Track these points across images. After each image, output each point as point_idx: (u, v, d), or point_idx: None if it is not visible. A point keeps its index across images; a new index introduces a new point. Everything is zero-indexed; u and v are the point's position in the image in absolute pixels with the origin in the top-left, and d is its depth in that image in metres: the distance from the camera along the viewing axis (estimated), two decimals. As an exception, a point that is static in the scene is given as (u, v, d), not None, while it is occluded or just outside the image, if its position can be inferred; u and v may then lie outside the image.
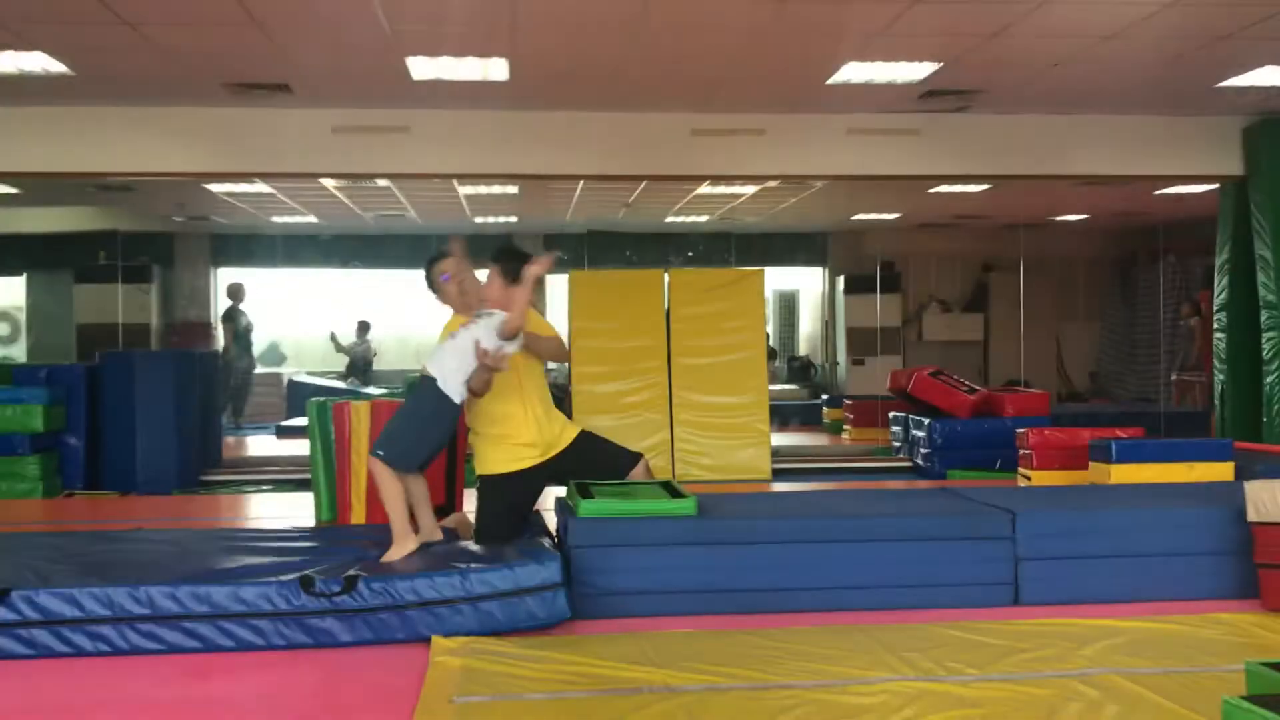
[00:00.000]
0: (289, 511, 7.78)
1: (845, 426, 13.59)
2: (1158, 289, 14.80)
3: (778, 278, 17.27)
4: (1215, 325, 10.27)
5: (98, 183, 11.54)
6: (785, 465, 10.25)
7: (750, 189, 12.51)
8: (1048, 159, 9.86)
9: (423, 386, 5.05)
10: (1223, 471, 7.25)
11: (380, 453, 4.94)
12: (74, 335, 14.44)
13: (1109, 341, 16.85)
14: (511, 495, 5.27)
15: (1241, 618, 4.62)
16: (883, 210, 14.94)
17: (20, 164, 9.29)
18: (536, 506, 5.53)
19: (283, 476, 10.04)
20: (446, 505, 6.06)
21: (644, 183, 11.65)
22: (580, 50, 7.60)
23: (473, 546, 4.93)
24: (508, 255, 5.21)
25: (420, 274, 5.41)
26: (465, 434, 5.68)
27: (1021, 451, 8.28)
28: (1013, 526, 5.06)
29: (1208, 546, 5.11)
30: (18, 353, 15.15)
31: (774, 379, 15.05)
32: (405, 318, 15.24)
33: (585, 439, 5.47)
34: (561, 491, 5.41)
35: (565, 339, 9.31)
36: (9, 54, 7.49)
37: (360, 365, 15.56)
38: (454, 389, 5.00)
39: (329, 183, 11.45)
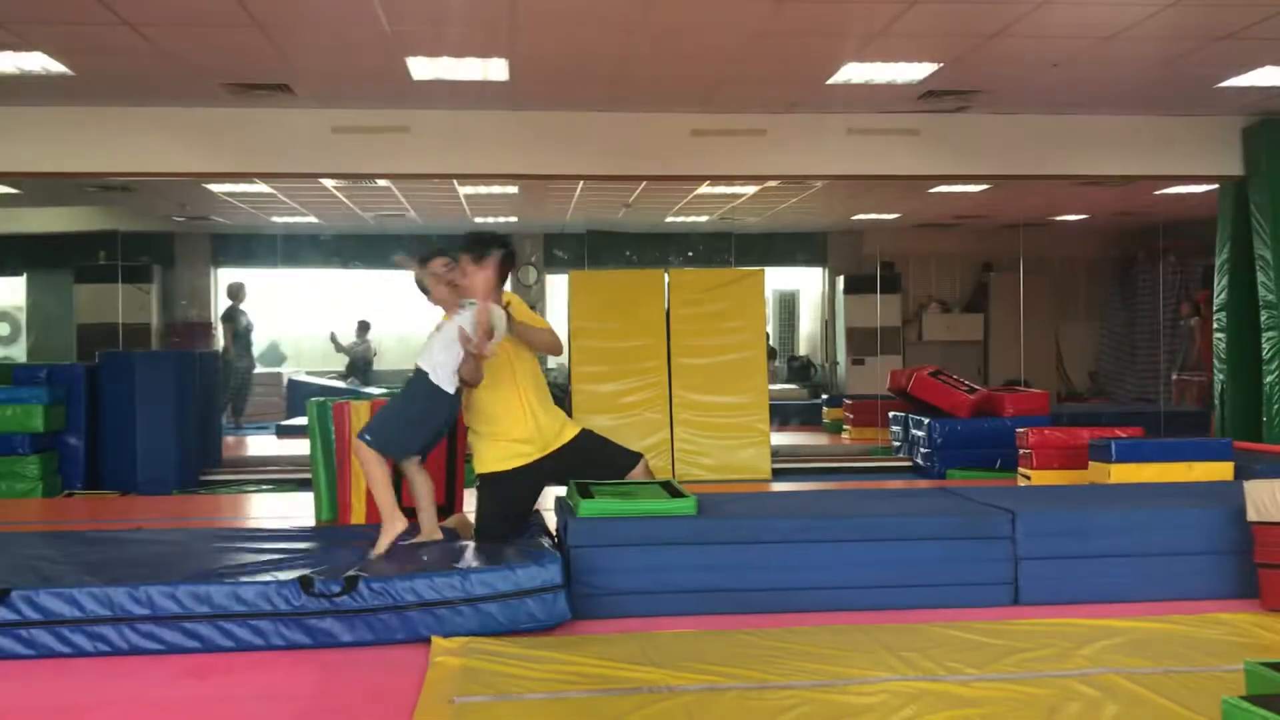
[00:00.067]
0: (289, 511, 7.78)
1: (845, 426, 13.59)
2: (1158, 289, 14.80)
3: (778, 278, 17.28)
4: (1215, 325, 10.27)
5: (98, 183, 11.55)
6: (785, 465, 10.26)
7: (750, 189, 12.51)
8: (1047, 159, 9.86)
9: (415, 379, 5.09)
10: (1222, 471, 7.26)
11: (366, 437, 4.98)
12: (74, 335, 14.45)
13: (1109, 341, 16.86)
14: (510, 493, 5.27)
15: (1241, 618, 4.63)
16: (883, 210, 14.94)
17: (20, 164, 9.28)
18: (536, 506, 5.53)
19: (283, 476, 10.04)
20: (446, 506, 6.06)
21: (644, 183, 11.65)
22: (580, 50, 7.59)
23: (473, 547, 4.94)
24: (475, 242, 5.19)
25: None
26: (465, 434, 5.68)
27: (1021, 451, 8.28)
28: (1012, 526, 5.06)
29: (1207, 546, 5.11)
30: (18, 353, 15.16)
31: (774, 379, 15.06)
32: (405, 318, 15.24)
33: (585, 438, 5.47)
34: (561, 491, 5.42)
35: (565, 339, 9.36)
36: (9, 54, 7.49)
37: (360, 365, 15.57)
38: (445, 380, 5.02)
39: (329, 183, 11.45)
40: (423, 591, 4.37)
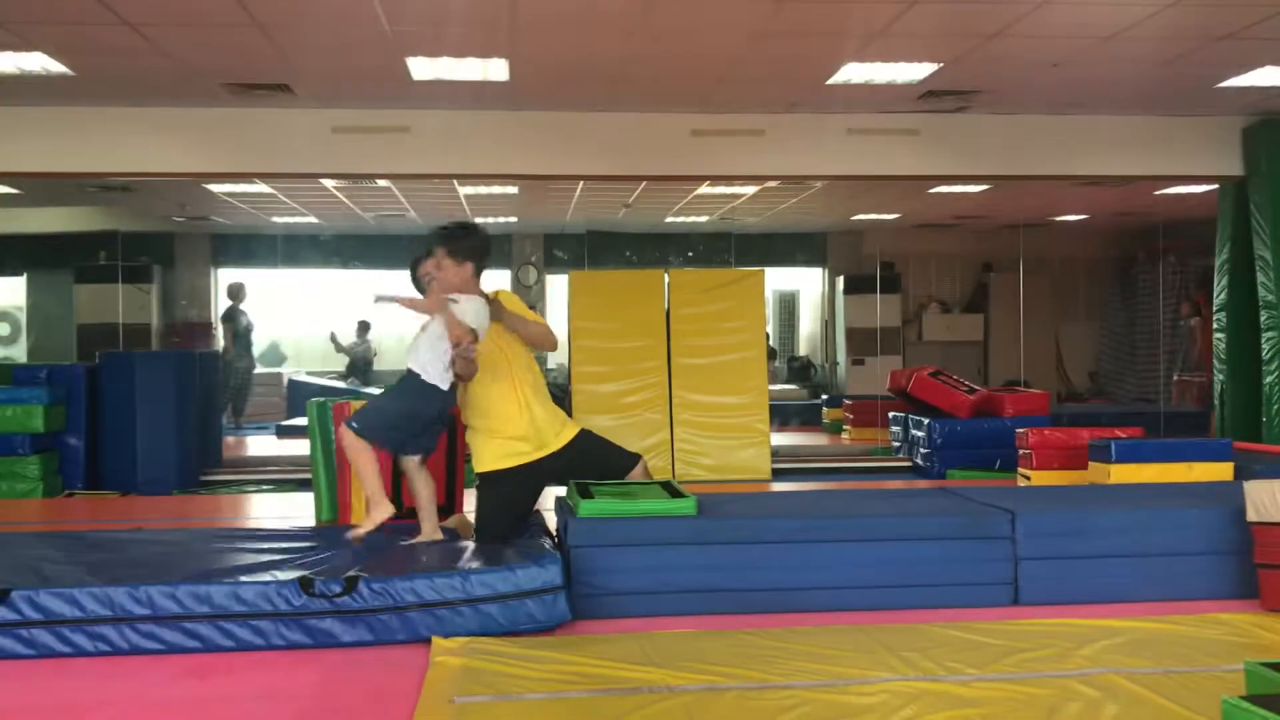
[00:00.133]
0: (289, 511, 7.78)
1: (845, 426, 13.59)
2: (1158, 289, 14.80)
3: (778, 278, 17.29)
4: (1215, 325, 10.27)
5: (98, 183, 11.55)
6: (785, 465, 10.26)
7: (750, 189, 12.51)
8: (1047, 159, 9.86)
9: (406, 377, 5.09)
10: (1222, 471, 7.26)
11: (354, 425, 4.99)
12: (74, 335, 14.45)
13: (1109, 341, 16.86)
14: (509, 493, 5.25)
15: (1241, 618, 4.63)
16: (882, 210, 14.94)
17: (20, 164, 9.28)
18: (536, 506, 5.53)
19: (283, 476, 10.04)
20: (447, 506, 6.05)
21: (644, 183, 11.65)
22: (580, 50, 7.60)
23: (473, 548, 4.94)
24: (449, 235, 5.15)
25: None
26: (465, 433, 5.67)
27: (1021, 451, 8.29)
28: (1012, 526, 5.06)
29: (1207, 546, 5.11)
30: (18, 353, 15.16)
31: (774, 379, 15.06)
32: (405, 317, 15.22)
33: (584, 438, 5.46)
34: (561, 491, 5.42)
35: (564, 339, 9.36)
36: (9, 54, 7.49)
37: (360, 365, 15.57)
38: (437, 377, 5.01)
39: (329, 183, 11.45)
40: (423, 592, 4.37)
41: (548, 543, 4.94)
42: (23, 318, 15.48)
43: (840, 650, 4.16)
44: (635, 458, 5.56)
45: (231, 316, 14.67)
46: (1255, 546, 4.86)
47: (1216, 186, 10.40)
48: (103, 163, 9.34)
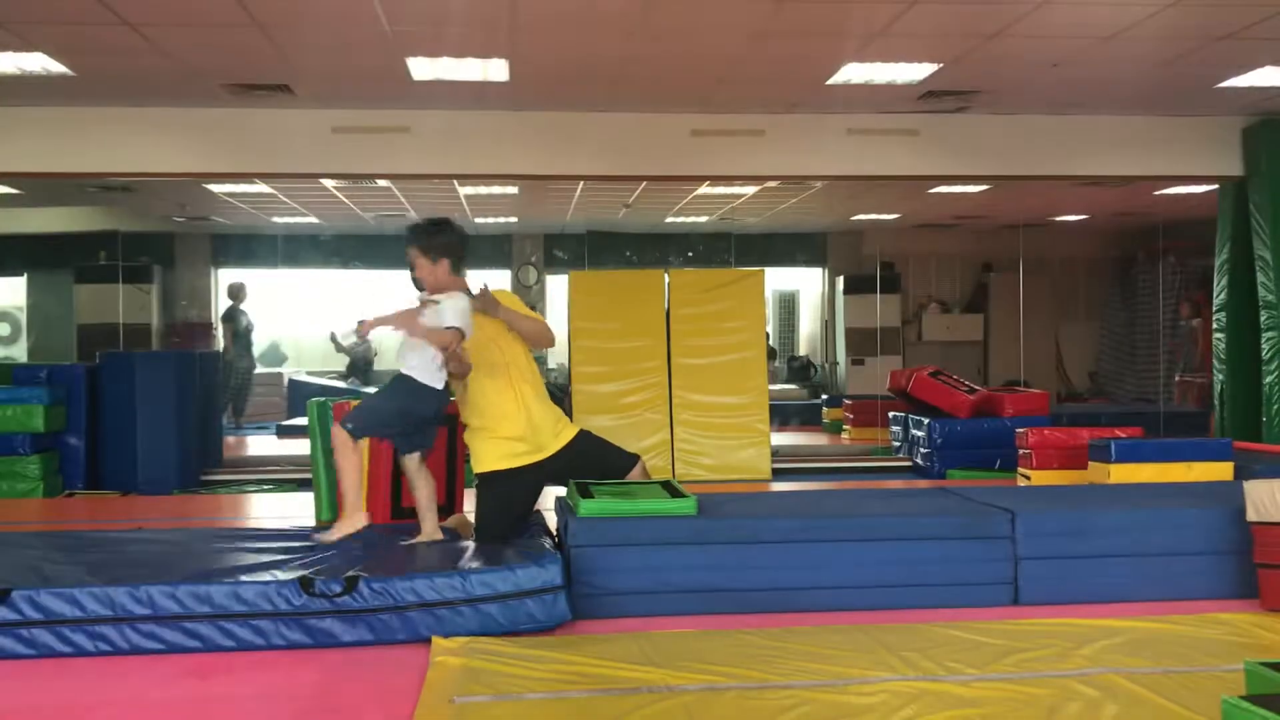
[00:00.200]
0: (289, 511, 7.78)
1: (845, 426, 13.59)
2: (1157, 289, 14.80)
3: (778, 278, 17.29)
4: (1215, 325, 10.28)
5: (98, 183, 11.55)
6: (785, 465, 10.26)
7: (750, 189, 12.52)
8: (1047, 159, 9.86)
9: (399, 377, 5.06)
10: (1222, 471, 7.26)
11: (349, 425, 4.96)
12: (74, 335, 14.45)
13: (1108, 341, 16.86)
14: (509, 493, 5.24)
15: (1241, 618, 4.63)
16: (882, 210, 14.94)
17: (20, 164, 9.29)
18: (536, 506, 5.53)
19: (283, 476, 10.04)
20: (447, 506, 6.05)
21: (644, 183, 11.65)
22: (580, 50, 7.60)
23: (473, 548, 4.94)
24: (420, 234, 5.09)
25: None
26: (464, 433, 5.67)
27: (1021, 451, 8.29)
28: (1012, 526, 5.06)
29: (1207, 546, 5.12)
30: (18, 353, 15.16)
31: (774, 379, 15.07)
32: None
33: (583, 439, 5.45)
34: (561, 491, 5.42)
35: (564, 339, 9.36)
36: (9, 54, 7.49)
37: (360, 365, 15.56)
38: (429, 377, 4.99)
39: (329, 183, 11.45)
40: (423, 592, 4.37)
41: (548, 542, 4.94)
42: (23, 318, 15.48)
43: (840, 650, 4.16)
44: (634, 458, 5.56)
45: (232, 316, 14.68)
46: (1255, 546, 4.86)
47: (1216, 186, 10.40)
48: (103, 163, 9.34)
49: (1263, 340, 9.61)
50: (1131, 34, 7.17)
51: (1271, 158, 9.57)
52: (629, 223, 15.44)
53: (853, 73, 8.11)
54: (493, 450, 5.23)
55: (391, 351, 5.30)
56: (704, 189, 12.27)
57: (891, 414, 11.35)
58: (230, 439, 12.75)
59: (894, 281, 16.50)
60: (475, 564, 4.56)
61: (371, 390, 12.88)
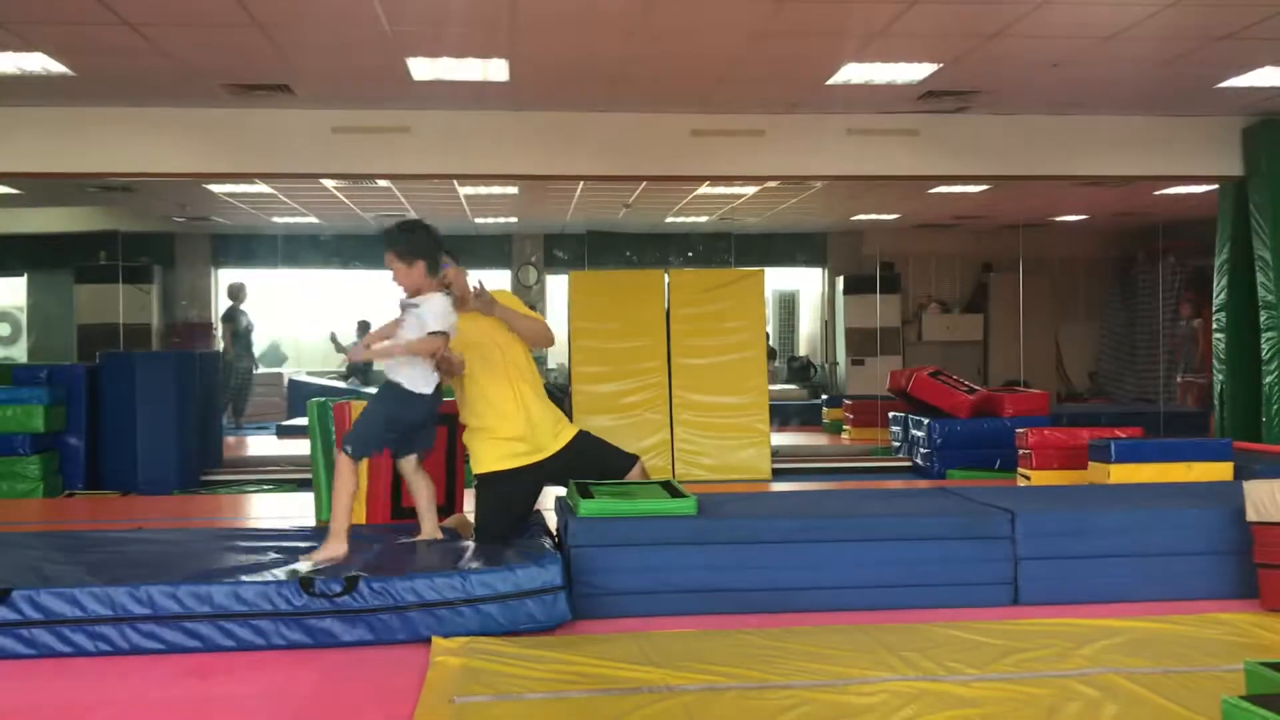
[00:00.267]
0: (289, 511, 7.79)
1: (845, 426, 13.59)
2: (1157, 289, 14.80)
3: (777, 278, 17.29)
4: (1215, 325, 10.28)
5: (98, 183, 11.55)
6: (785, 465, 10.26)
7: (750, 189, 12.52)
8: (1047, 159, 9.86)
9: (388, 385, 5.03)
10: (1222, 471, 7.26)
11: (348, 449, 4.93)
12: (75, 335, 14.46)
13: (1108, 342, 16.86)
14: (508, 494, 5.23)
15: (1241, 618, 4.63)
16: (882, 210, 14.94)
17: (20, 164, 9.29)
18: (536, 506, 5.52)
19: (283, 476, 10.04)
20: (446, 506, 6.06)
21: (644, 183, 11.65)
22: (580, 50, 7.60)
23: (473, 548, 4.94)
24: (392, 237, 5.04)
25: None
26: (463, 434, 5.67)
27: (1021, 451, 8.29)
28: (1012, 526, 5.06)
29: (1207, 546, 5.12)
30: (18, 353, 15.17)
31: (774, 379, 15.07)
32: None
33: (582, 439, 5.44)
34: (561, 491, 5.42)
35: (564, 339, 9.36)
36: (9, 54, 7.49)
37: (360, 365, 15.56)
38: (419, 384, 4.96)
39: (329, 183, 11.45)
40: (423, 592, 4.37)
41: (548, 542, 4.94)
42: (23, 318, 15.49)
43: (840, 650, 4.17)
44: (633, 459, 5.56)
45: (232, 317, 14.68)
46: (1255, 546, 4.86)
47: (1216, 186, 10.40)
48: (103, 163, 9.34)
49: (1262, 340, 9.61)
50: (1131, 34, 7.17)
51: (1271, 158, 9.58)
52: (629, 223, 15.44)
53: (853, 73, 8.11)
54: (492, 451, 5.22)
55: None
56: (704, 189, 12.28)
57: (891, 414, 11.35)
58: (230, 439, 12.76)
59: (894, 281, 16.50)
60: (475, 564, 4.56)
61: (372, 391, 12.91)
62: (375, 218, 14.39)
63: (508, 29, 7.07)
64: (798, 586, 4.90)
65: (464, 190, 12.30)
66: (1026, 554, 5.04)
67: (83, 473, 9.26)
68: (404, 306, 5.03)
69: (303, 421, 7.26)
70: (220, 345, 14.78)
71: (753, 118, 9.47)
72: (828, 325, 17.26)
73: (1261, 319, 9.61)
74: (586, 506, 4.90)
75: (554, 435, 5.32)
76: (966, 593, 4.98)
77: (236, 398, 14.50)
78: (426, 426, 5.18)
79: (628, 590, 4.81)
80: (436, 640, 4.26)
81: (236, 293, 14.79)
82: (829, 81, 8.35)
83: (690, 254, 16.44)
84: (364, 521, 6.06)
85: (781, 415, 13.37)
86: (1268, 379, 9.55)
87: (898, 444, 11.07)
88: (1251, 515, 4.84)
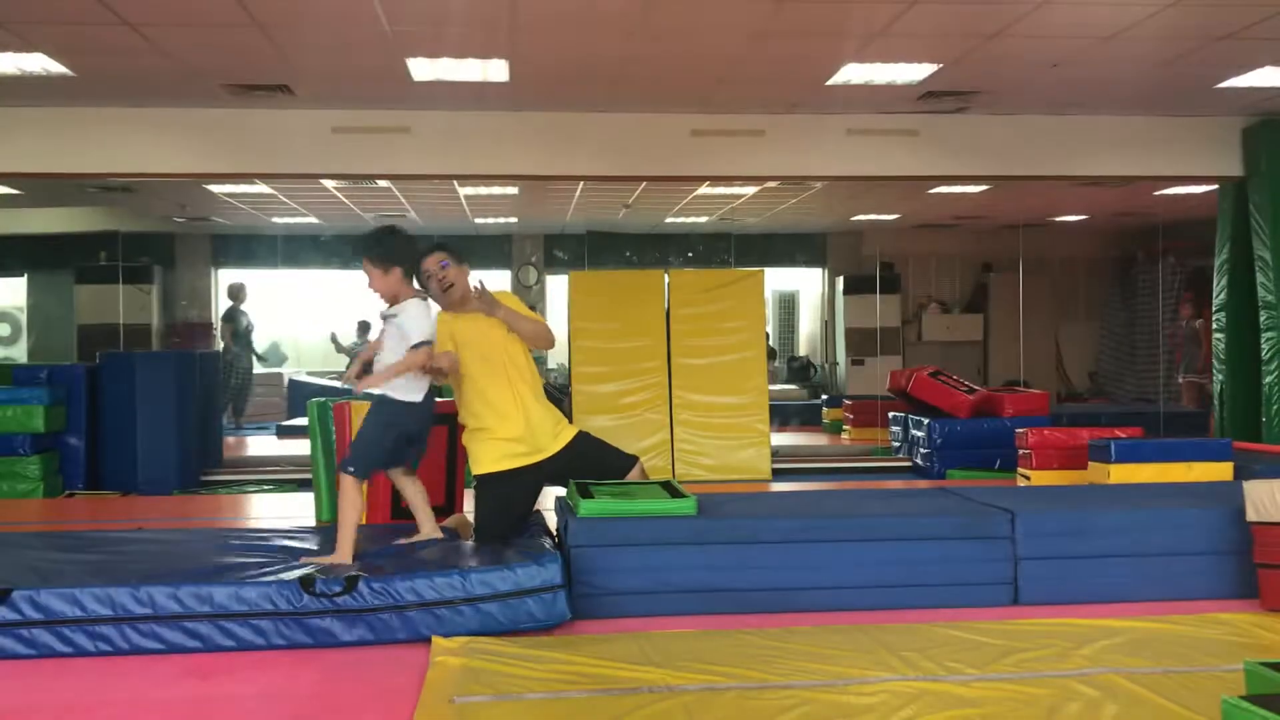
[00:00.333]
0: (289, 511, 7.79)
1: (845, 426, 13.59)
2: (1157, 289, 14.80)
3: (777, 278, 17.29)
4: (1215, 325, 10.28)
5: (98, 183, 11.55)
6: (785, 465, 10.26)
7: (750, 190, 12.52)
8: (1047, 159, 9.86)
9: (381, 401, 4.97)
10: (1222, 471, 7.27)
11: (350, 469, 4.88)
12: (75, 336, 14.46)
13: (1108, 342, 16.86)
14: (506, 494, 5.22)
15: (1241, 618, 4.63)
16: (882, 211, 14.94)
17: (20, 164, 9.28)
18: (536, 507, 5.52)
19: (283, 476, 10.05)
20: (446, 506, 6.06)
21: (644, 183, 11.66)
22: (580, 51, 7.60)
23: (473, 547, 4.94)
24: (366, 244, 5.02)
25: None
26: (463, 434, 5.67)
27: (1021, 451, 8.29)
28: (1012, 526, 5.07)
29: (1207, 546, 5.12)
30: (18, 353, 15.16)
31: (774, 379, 15.07)
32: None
33: (582, 440, 5.43)
34: (561, 491, 5.42)
35: (564, 339, 9.36)
36: (9, 54, 7.49)
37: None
38: (411, 393, 4.94)
39: (329, 183, 11.46)
40: (423, 591, 4.38)
41: (548, 542, 4.94)
42: (23, 318, 15.49)
43: (840, 650, 4.17)
44: (633, 460, 5.55)
45: (232, 317, 14.68)
46: (1255, 546, 4.86)
47: (1216, 186, 10.40)
48: (103, 163, 9.34)
49: (1262, 340, 9.61)
50: (1131, 34, 7.17)
51: (1271, 158, 9.58)
52: (629, 223, 15.44)
53: (852, 73, 8.11)
54: (491, 451, 5.22)
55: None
56: (704, 189, 12.28)
57: (891, 414, 11.35)
58: (230, 439, 12.76)
59: (894, 282, 16.50)
60: (475, 563, 4.57)
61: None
62: (375, 218, 14.40)
63: (508, 29, 7.07)
64: (798, 586, 4.90)
65: (464, 190, 12.30)
66: (1026, 554, 5.04)
67: (83, 473, 9.26)
68: (384, 318, 5.03)
69: (303, 421, 7.27)
70: (220, 345, 14.78)
71: (753, 118, 9.47)
72: (828, 325, 17.26)
73: (1261, 319, 9.62)
74: (586, 506, 4.90)
75: (553, 436, 5.32)
76: (966, 593, 4.99)
77: (236, 398, 14.50)
78: (422, 437, 5.14)
79: (627, 590, 4.81)
80: (436, 640, 4.26)
81: (236, 293, 14.79)
82: (829, 81, 8.35)
83: (690, 254, 16.44)
84: (364, 522, 6.06)
85: (781, 415, 13.37)
86: (1268, 379, 9.55)
87: (898, 444, 11.07)
88: (1251, 515, 4.84)
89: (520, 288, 16.24)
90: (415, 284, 5.14)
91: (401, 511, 5.83)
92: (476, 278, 5.33)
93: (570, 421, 5.62)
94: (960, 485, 7.40)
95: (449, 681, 3.81)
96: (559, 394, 10.17)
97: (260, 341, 15.28)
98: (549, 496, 5.63)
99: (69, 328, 14.62)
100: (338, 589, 4.34)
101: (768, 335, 13.76)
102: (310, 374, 15.57)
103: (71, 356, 13.70)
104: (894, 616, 4.73)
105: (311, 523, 6.54)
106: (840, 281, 16.73)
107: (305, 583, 4.34)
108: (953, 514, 5.26)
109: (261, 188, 11.86)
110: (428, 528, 5.19)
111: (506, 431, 5.21)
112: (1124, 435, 7.95)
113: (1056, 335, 16.89)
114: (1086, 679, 3.81)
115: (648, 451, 9.24)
